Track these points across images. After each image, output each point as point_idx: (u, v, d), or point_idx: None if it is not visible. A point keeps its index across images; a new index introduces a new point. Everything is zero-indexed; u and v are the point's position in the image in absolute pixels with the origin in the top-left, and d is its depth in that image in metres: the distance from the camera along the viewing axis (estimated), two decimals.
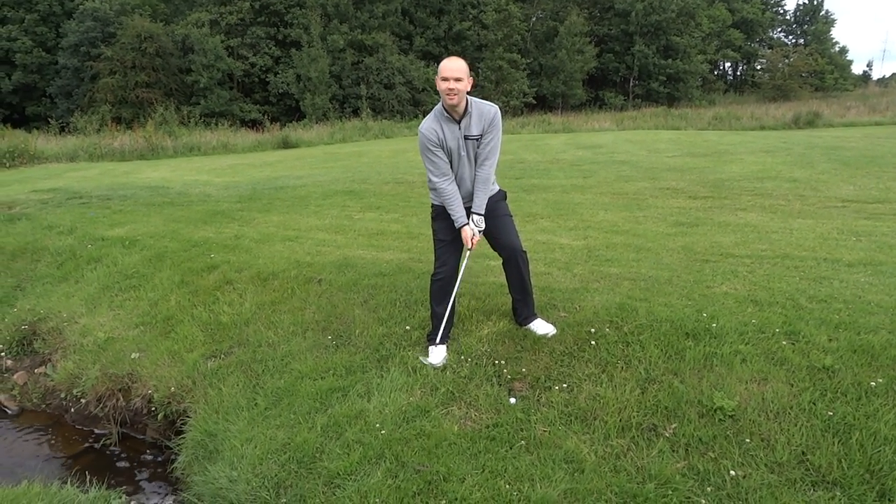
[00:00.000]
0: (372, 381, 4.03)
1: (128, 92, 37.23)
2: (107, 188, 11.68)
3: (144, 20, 37.91)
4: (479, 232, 3.94)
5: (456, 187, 3.87)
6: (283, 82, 39.30)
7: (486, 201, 3.92)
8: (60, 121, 31.29)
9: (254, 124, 34.19)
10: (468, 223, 3.89)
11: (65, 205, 9.88)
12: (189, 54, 38.85)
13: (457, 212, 3.87)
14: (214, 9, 39.77)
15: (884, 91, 47.44)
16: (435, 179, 3.84)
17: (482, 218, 3.93)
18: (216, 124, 30.74)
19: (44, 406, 5.51)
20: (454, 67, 3.60)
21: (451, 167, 3.85)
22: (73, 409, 5.25)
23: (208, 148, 23.24)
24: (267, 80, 40.53)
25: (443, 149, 3.79)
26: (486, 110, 3.79)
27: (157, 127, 25.55)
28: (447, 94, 3.62)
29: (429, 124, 3.77)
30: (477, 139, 3.81)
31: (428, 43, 44.58)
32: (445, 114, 3.75)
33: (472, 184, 3.93)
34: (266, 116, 34.30)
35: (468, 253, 4.05)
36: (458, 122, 3.76)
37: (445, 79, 3.60)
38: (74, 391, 5.20)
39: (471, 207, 3.94)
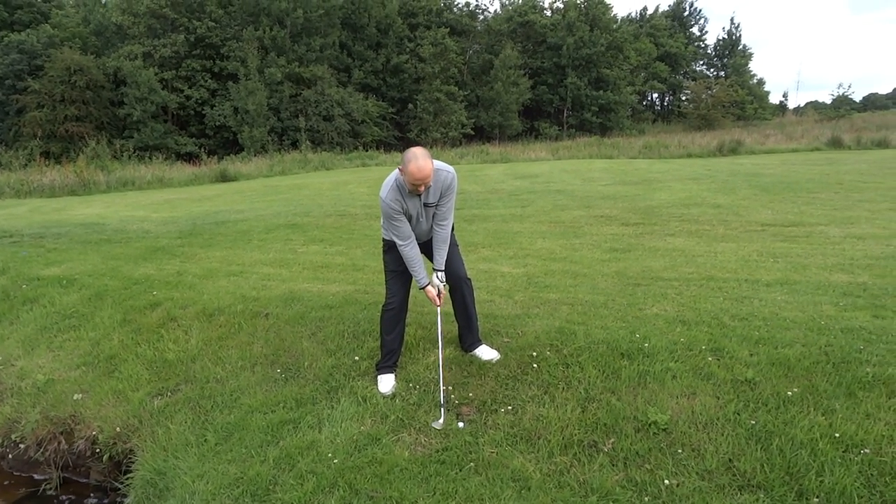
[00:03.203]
0: (323, 412, 4.10)
1: (57, 126, 36.08)
2: (38, 226, 11.34)
3: (74, 53, 36.94)
4: (444, 288, 4.18)
5: (418, 250, 4.09)
6: (219, 115, 38.87)
7: (445, 258, 4.15)
8: None
9: (190, 157, 33.68)
10: (430, 283, 4.13)
11: None
12: (121, 87, 38.05)
13: (418, 273, 4.09)
14: (147, 42, 39.18)
15: (799, 120, 50.36)
16: (399, 243, 4.01)
17: (444, 274, 4.17)
18: (150, 158, 30.17)
19: None
20: (425, 175, 3.70)
21: (410, 225, 4.03)
22: (10, 455, 5.07)
23: (143, 182, 22.78)
24: (203, 112, 40.00)
25: (405, 215, 3.96)
26: (442, 177, 3.93)
27: (89, 161, 24.93)
28: (416, 190, 3.80)
29: (392, 195, 3.89)
30: (435, 204, 4.02)
31: (366, 76, 45.04)
32: (407, 190, 3.87)
33: (427, 231, 4.16)
34: (203, 149, 33.88)
35: (439, 310, 4.23)
36: (419, 195, 3.92)
37: (415, 184, 3.73)
38: (13, 436, 5.03)
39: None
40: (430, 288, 4.13)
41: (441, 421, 3.82)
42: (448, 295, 4.37)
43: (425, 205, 4.00)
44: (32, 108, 35.99)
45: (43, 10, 43.78)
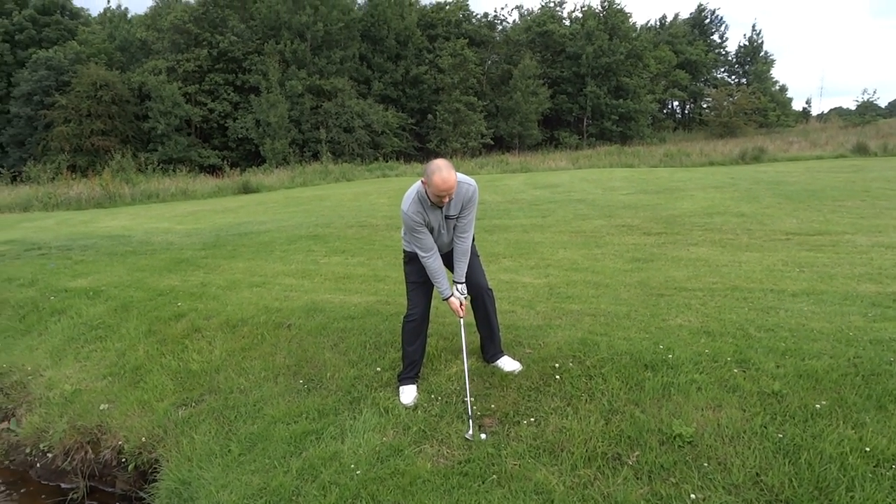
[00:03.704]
0: (345, 423, 4.11)
1: (83, 140, 36.84)
2: (66, 238, 11.55)
3: (100, 68, 37.79)
4: (465, 299, 4.19)
5: (441, 262, 4.11)
6: (242, 127, 39.40)
7: (466, 270, 4.17)
8: (12, 170, 30.76)
9: (213, 170, 34.13)
10: (453, 294, 4.14)
11: (23, 256, 9.75)
12: (146, 101, 38.79)
13: (441, 285, 4.12)
14: (171, 56, 39.92)
15: (823, 126, 49.74)
16: (422, 255, 4.05)
17: (465, 286, 4.18)
18: (174, 171, 30.60)
19: (7, 462, 5.39)
20: (451, 186, 3.74)
21: (432, 236, 4.06)
22: (38, 465, 5.15)
23: (167, 195, 23.13)
24: (226, 125, 40.59)
25: (426, 226, 4.00)
26: (464, 190, 3.96)
27: (114, 174, 25.35)
28: (440, 202, 3.83)
29: (414, 207, 3.93)
30: (456, 217, 4.05)
31: (386, 87, 45.38)
32: (429, 202, 3.92)
33: (448, 243, 4.18)
34: (225, 162, 34.30)
35: (462, 321, 4.23)
36: (441, 207, 3.96)
37: (440, 196, 3.76)
38: (41, 445, 5.12)
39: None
40: (452, 299, 4.14)
41: (471, 432, 3.82)
42: (469, 305, 4.37)
43: (446, 217, 4.02)
44: (60, 123, 36.79)
45: (70, 27, 44.80)
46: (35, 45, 42.24)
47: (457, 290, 4.16)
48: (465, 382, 4.10)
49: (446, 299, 4.15)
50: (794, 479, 3.12)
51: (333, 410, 4.29)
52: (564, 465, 3.47)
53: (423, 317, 4.27)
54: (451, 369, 4.46)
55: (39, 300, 7.29)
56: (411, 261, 4.21)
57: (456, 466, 3.58)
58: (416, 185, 3.96)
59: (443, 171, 3.71)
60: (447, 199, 3.82)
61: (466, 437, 3.79)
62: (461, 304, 4.16)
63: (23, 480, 5.20)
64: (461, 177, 3.92)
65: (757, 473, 3.20)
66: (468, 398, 4.01)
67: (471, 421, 3.88)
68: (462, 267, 4.16)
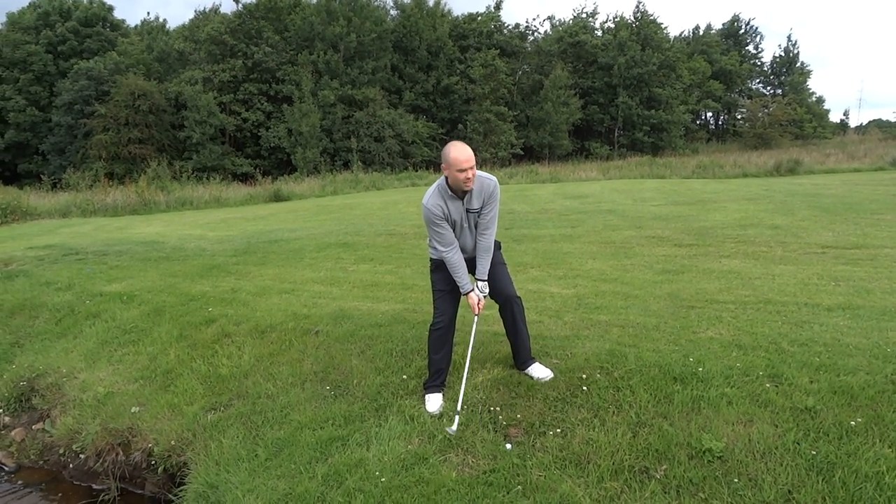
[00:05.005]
0: (371, 430, 4.12)
1: (120, 148, 37.66)
2: (102, 244, 11.81)
3: (138, 78, 38.69)
4: (485, 297, 4.20)
5: (461, 256, 4.12)
6: (274, 136, 39.92)
7: (488, 267, 4.18)
8: (53, 177, 31.56)
9: (245, 178, 34.66)
10: (473, 290, 4.16)
11: (61, 261, 9.99)
12: (182, 110, 39.55)
13: (462, 279, 4.14)
14: (207, 67, 40.69)
15: (862, 139, 48.64)
16: (442, 249, 4.07)
17: (486, 283, 4.20)
18: (208, 178, 31.07)
19: (41, 462, 5.52)
20: (468, 156, 3.81)
21: (455, 234, 4.09)
22: (71, 465, 5.27)
23: (200, 202, 23.49)
24: (259, 134, 41.18)
25: (447, 221, 4.03)
26: (485, 184, 4.03)
27: (150, 182, 25.82)
28: (465, 183, 3.87)
29: (434, 200, 3.99)
30: (478, 211, 4.07)
31: (417, 97, 45.63)
32: (450, 192, 3.98)
33: (473, 247, 4.20)
34: (258, 170, 34.75)
35: (476, 318, 4.27)
36: (461, 198, 4.00)
37: (462, 170, 3.81)
38: (74, 446, 5.23)
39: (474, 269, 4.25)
40: (472, 295, 4.16)
41: (454, 427, 3.92)
42: (498, 314, 4.38)
43: (468, 211, 4.06)
44: (99, 132, 37.70)
45: (110, 38, 46.02)
46: (77, 55, 43.49)
47: (477, 286, 4.19)
48: (464, 373, 4.18)
49: (466, 294, 4.17)
50: (827, 498, 3.04)
51: (359, 417, 4.31)
52: (591, 477, 3.43)
53: (450, 325, 4.27)
54: (478, 378, 4.44)
55: (75, 304, 7.46)
56: (438, 268, 4.22)
57: (481, 476, 3.57)
58: (438, 180, 4.04)
59: (456, 145, 3.83)
60: (471, 176, 3.85)
61: (449, 431, 3.90)
62: (479, 302, 4.17)
63: (56, 480, 5.31)
64: (481, 173, 3.99)
65: (789, 491, 3.13)
66: (462, 394, 4.10)
67: (457, 417, 3.97)
68: (484, 264, 4.18)
